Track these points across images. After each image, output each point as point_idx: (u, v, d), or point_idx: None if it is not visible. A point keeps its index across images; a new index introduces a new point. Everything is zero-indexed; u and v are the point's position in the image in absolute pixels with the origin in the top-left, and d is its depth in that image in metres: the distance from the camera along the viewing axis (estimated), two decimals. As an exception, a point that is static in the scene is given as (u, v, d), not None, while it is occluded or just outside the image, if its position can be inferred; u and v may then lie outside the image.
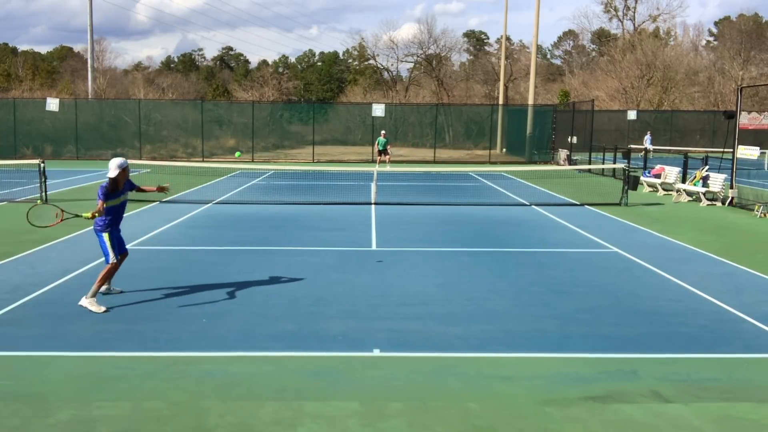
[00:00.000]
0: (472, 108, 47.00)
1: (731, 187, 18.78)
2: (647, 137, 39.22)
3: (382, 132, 30.62)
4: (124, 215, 8.93)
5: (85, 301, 8.18)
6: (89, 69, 43.12)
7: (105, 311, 8.09)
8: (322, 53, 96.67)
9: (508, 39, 66.60)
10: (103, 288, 8.62)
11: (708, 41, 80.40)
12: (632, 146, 32.18)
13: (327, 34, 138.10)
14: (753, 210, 17.12)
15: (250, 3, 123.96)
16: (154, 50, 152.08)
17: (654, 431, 5.33)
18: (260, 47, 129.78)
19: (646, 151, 31.17)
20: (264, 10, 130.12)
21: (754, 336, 7.62)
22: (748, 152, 18.61)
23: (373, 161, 31.76)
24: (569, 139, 32.75)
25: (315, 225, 14.78)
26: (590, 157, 30.62)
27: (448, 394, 5.95)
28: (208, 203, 18.07)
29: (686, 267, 10.97)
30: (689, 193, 19.83)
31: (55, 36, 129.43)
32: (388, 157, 29.89)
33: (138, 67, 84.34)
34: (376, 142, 30.47)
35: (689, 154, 23.32)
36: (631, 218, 16.11)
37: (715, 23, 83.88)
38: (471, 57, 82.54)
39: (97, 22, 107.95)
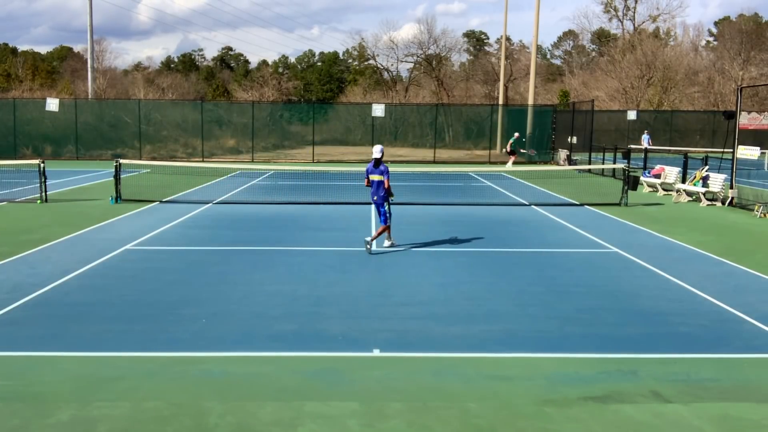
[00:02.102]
0: (472, 108, 46.97)
1: (731, 187, 18.78)
2: (645, 136, 39.11)
3: (516, 134, 30.17)
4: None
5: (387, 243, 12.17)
6: (89, 69, 43.09)
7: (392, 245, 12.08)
8: (322, 53, 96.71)
9: (508, 39, 66.64)
10: (386, 243, 12.26)
11: (708, 41, 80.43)
12: (632, 146, 32.14)
13: (329, 35, 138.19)
14: (753, 210, 17.12)
15: (251, 3, 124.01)
16: (155, 50, 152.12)
17: (654, 431, 5.33)
18: (260, 47, 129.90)
19: (646, 150, 31.09)
20: (265, 11, 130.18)
21: (754, 336, 7.62)
22: (748, 152, 18.60)
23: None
24: (569, 139, 32.74)
25: (315, 225, 14.78)
26: (590, 157, 30.60)
27: (448, 394, 5.94)
28: (208, 203, 18.06)
29: (686, 267, 10.97)
30: (689, 193, 19.83)
31: (56, 36, 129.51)
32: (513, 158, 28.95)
33: (138, 67, 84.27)
34: (510, 141, 29.50)
35: (689, 154, 23.32)
36: (631, 218, 16.11)
37: (715, 23, 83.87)
38: (471, 57, 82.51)
39: (98, 22, 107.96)
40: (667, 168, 22.16)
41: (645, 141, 37.84)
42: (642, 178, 22.60)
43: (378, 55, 74.09)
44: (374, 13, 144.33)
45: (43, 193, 18.25)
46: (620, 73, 58.92)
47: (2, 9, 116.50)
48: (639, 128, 45.35)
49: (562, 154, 33.59)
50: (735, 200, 18.58)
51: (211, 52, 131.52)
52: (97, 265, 10.63)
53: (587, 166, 28.52)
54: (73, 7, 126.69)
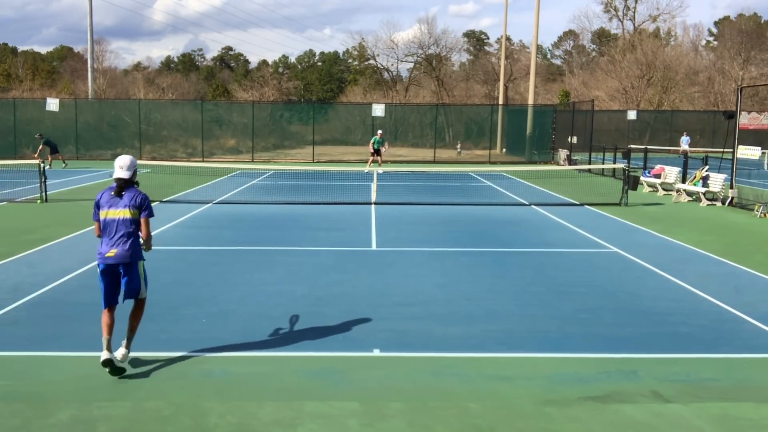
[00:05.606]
0: (472, 108, 46.99)
1: (731, 187, 18.78)
2: (684, 138, 39.09)
3: (379, 132, 30.25)
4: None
5: None
6: (89, 69, 43.08)
7: None
8: (322, 53, 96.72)
9: (508, 39, 66.62)
10: None
11: (708, 41, 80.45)
12: (632, 146, 32.16)
13: (339, 36, 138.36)
14: (753, 210, 17.12)
15: (261, 6, 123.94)
16: (165, 51, 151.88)
17: (654, 431, 5.33)
18: (267, 49, 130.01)
19: (685, 152, 30.85)
20: (273, 14, 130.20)
21: (754, 336, 7.62)
22: (749, 152, 18.60)
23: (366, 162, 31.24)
24: (569, 139, 32.75)
25: (315, 225, 14.77)
26: (590, 157, 30.62)
27: (448, 394, 5.94)
28: (208, 203, 18.06)
29: (686, 267, 10.97)
30: (689, 193, 19.83)
31: (61, 37, 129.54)
32: (380, 158, 29.36)
33: (138, 67, 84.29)
34: (371, 141, 29.93)
35: (689, 154, 23.31)
36: (631, 218, 16.11)
37: (715, 23, 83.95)
38: (471, 57, 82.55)
39: (109, 24, 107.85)
40: (667, 168, 22.17)
41: (684, 143, 37.81)
42: (642, 178, 22.61)
43: (378, 55, 74.20)
44: (385, 14, 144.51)
45: (43, 193, 18.25)
46: (620, 73, 58.94)
47: (18, 11, 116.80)
48: (639, 128, 45.35)
49: (562, 154, 33.60)
50: (735, 200, 18.58)
51: (211, 52, 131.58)
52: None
53: (587, 166, 28.53)
54: (84, 8, 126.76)
